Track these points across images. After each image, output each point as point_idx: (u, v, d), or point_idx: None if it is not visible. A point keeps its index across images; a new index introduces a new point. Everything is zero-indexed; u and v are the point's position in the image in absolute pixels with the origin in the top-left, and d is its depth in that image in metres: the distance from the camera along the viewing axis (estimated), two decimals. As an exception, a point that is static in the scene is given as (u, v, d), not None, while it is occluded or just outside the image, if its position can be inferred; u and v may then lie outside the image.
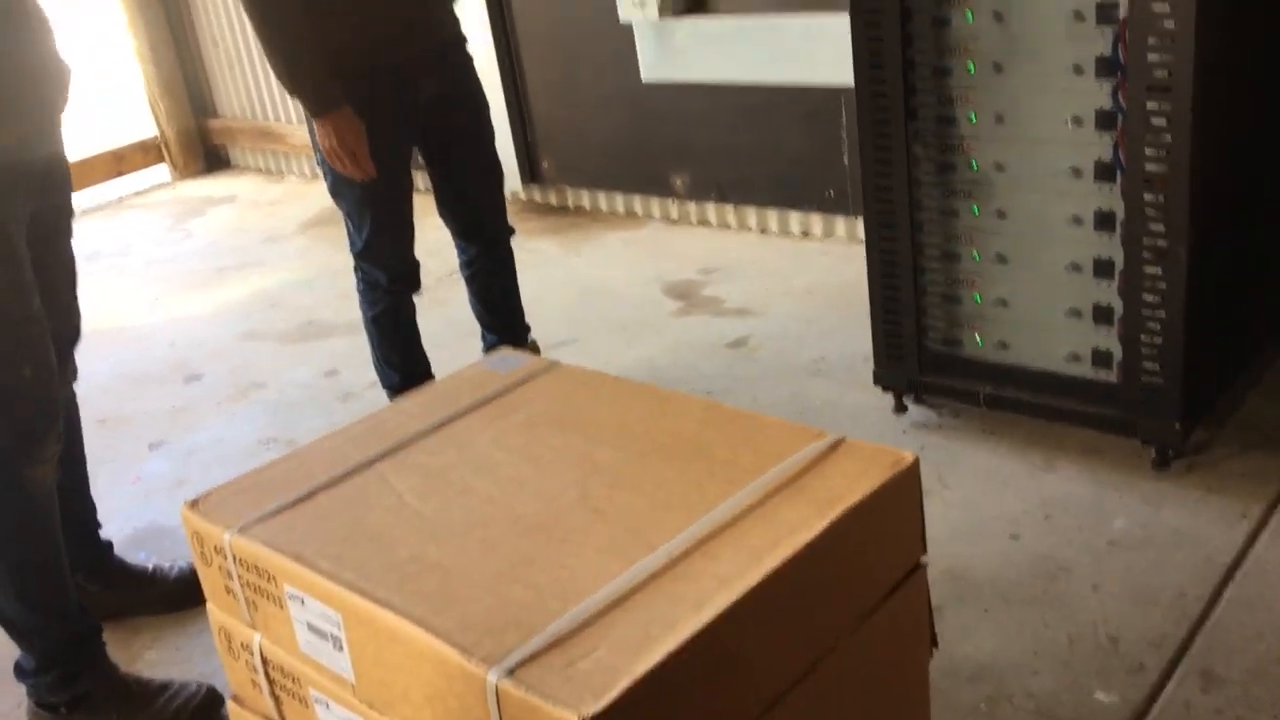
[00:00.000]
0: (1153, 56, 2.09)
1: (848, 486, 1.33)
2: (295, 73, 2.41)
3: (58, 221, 2.11)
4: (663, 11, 3.79)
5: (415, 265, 2.79)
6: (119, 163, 5.85)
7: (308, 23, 2.38)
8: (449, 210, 2.85)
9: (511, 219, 2.97)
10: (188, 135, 5.99)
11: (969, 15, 2.32)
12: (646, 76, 4.04)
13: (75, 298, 2.20)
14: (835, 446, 1.42)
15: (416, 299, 2.86)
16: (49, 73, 1.99)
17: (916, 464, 1.37)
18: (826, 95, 3.66)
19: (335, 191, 2.65)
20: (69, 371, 2.20)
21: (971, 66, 2.35)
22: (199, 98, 6.01)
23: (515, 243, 2.98)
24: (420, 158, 2.76)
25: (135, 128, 6.07)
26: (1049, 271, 2.40)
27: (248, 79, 5.80)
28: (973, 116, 2.38)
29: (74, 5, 6.62)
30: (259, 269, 4.60)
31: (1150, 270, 2.24)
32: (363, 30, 2.47)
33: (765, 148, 3.95)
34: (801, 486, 1.34)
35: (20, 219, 1.92)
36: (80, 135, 4.39)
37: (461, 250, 2.94)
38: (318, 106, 2.41)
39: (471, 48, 2.78)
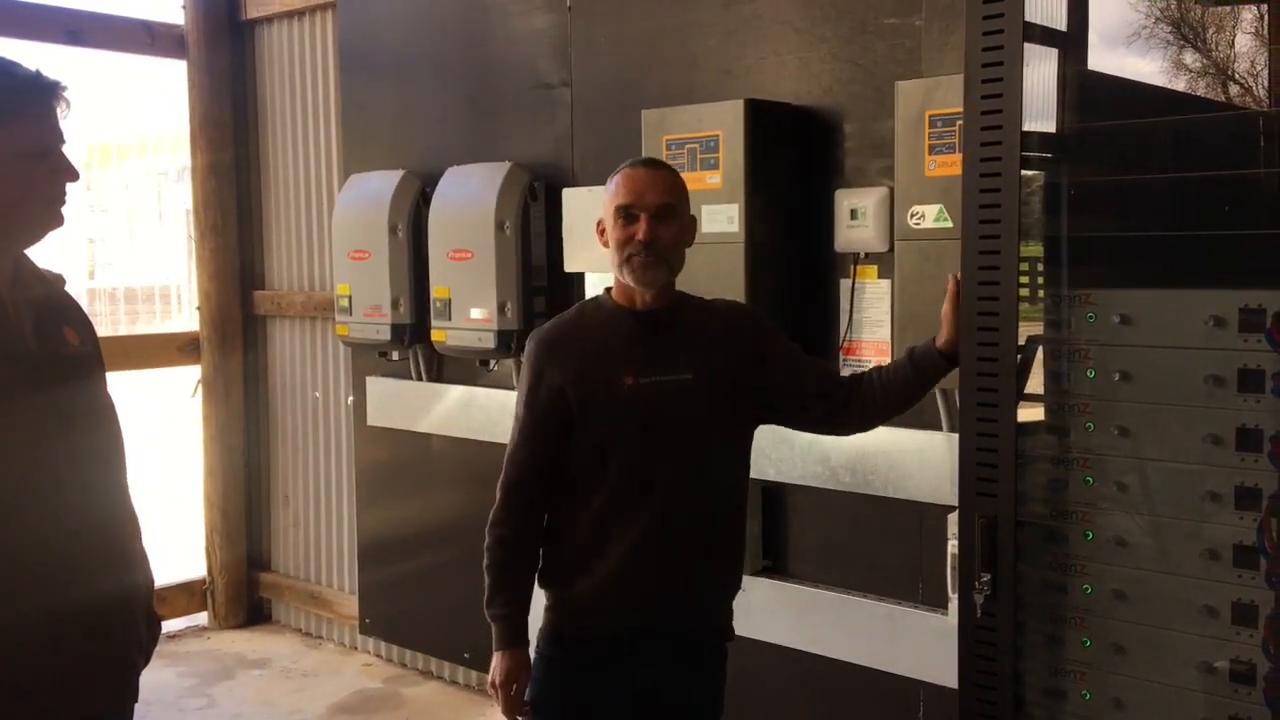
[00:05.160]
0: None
1: None
2: (495, 600, 2.39)
3: None
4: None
5: None
6: (162, 604, 5.70)
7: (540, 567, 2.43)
8: None
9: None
10: (236, 586, 5.88)
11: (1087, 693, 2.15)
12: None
13: None
14: None
15: None
16: None
17: None
18: (907, 686, 3.46)
19: None
20: None
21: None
22: (257, 551, 5.98)
23: None
24: None
25: (181, 566, 5.97)
26: None
27: (309, 547, 5.76)
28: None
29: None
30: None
31: None
32: (602, 588, 2.38)
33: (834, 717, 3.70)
34: None
35: None
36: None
37: None
38: (500, 641, 2.41)
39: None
